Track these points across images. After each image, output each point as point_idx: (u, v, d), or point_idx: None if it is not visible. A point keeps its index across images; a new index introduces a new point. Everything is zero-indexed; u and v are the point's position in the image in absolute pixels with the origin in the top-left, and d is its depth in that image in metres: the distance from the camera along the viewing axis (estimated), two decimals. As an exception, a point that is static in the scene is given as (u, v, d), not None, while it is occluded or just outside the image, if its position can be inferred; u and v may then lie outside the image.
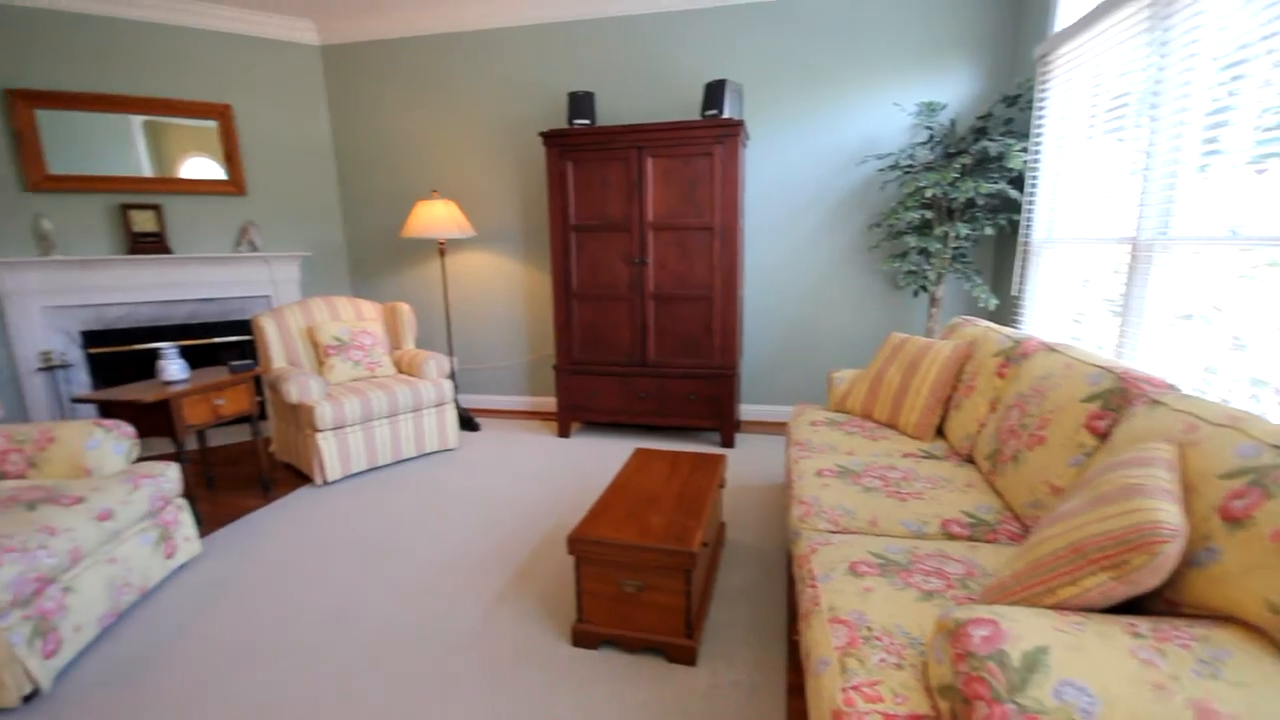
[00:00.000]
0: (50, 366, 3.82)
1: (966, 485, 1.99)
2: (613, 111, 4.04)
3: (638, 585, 1.84)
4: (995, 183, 3.12)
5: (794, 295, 4.03)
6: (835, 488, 1.99)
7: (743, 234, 3.72)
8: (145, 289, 4.01)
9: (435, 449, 3.74)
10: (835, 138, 3.77)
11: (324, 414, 3.19)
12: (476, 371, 4.67)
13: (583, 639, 1.93)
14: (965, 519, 1.79)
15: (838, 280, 3.94)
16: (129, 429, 2.41)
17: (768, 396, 4.22)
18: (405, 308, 3.99)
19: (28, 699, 1.76)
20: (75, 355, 3.92)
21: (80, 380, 3.95)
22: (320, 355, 3.61)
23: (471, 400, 4.74)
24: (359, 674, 1.85)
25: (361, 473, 3.46)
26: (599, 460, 3.60)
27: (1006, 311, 3.46)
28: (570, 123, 3.69)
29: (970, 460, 2.27)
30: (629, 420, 3.86)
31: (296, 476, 3.46)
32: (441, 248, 4.12)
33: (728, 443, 3.76)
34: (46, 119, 3.67)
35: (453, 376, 4.24)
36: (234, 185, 4.19)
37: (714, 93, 3.47)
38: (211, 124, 4.08)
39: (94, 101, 3.75)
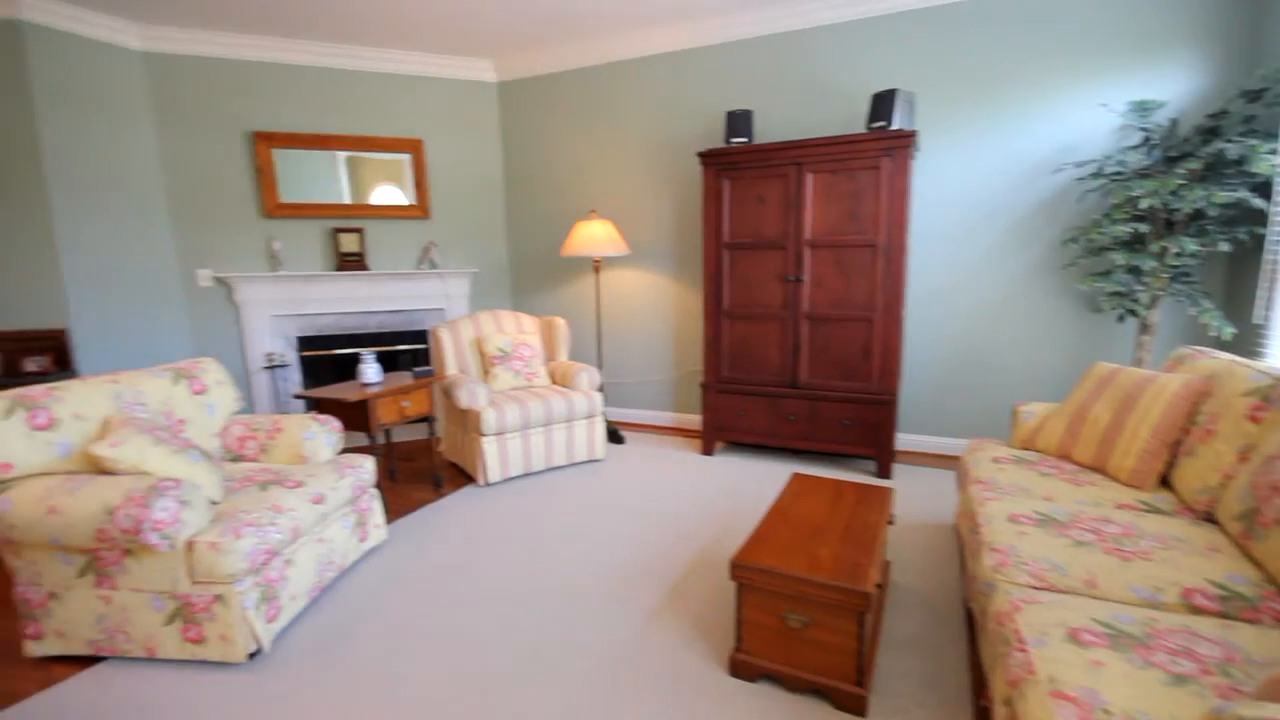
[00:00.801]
0: (272, 366, 4.48)
1: (1209, 549, 1.67)
2: (770, 129, 3.99)
3: (803, 621, 1.74)
4: (1234, 190, 2.64)
5: (964, 317, 3.69)
6: (1036, 537, 1.76)
7: (908, 252, 3.48)
8: (347, 301, 4.58)
9: (584, 459, 3.87)
10: (1021, 144, 3.41)
11: (489, 420, 3.42)
12: (622, 385, 4.79)
13: (741, 669, 1.86)
14: (1213, 590, 1.50)
15: (1020, 302, 3.55)
16: (337, 424, 2.74)
17: (930, 426, 3.89)
18: (560, 322, 4.20)
19: (252, 656, 2.03)
20: (291, 357, 4.57)
21: (294, 378, 4.59)
22: (486, 364, 3.89)
23: (616, 413, 4.86)
24: (522, 669, 1.92)
25: (518, 477, 3.66)
26: (745, 482, 3.51)
27: (1245, 342, 2.90)
28: (727, 141, 3.69)
29: (1210, 519, 1.90)
30: (776, 442, 3.74)
31: (461, 475, 3.74)
32: (597, 265, 4.29)
33: (884, 473, 3.50)
34: (279, 156, 4.34)
35: (601, 389, 4.38)
36: (420, 210, 4.68)
37: (882, 104, 3.29)
38: (402, 156, 4.59)
39: (314, 140, 4.38)
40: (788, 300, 3.59)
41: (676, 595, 2.35)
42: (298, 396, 3.06)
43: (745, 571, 1.79)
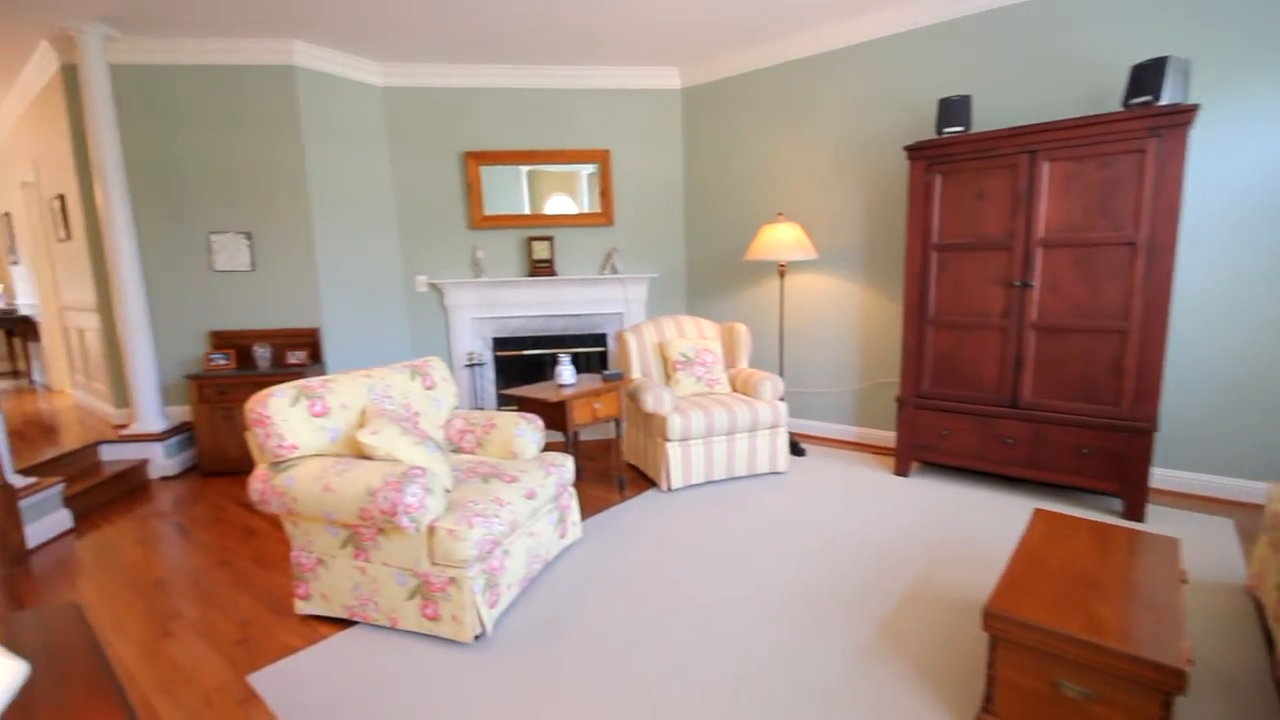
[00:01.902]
0: (472, 364, 4.89)
1: None
2: (987, 117, 3.56)
3: (1083, 693, 1.46)
4: None
5: (1247, 330, 3.00)
6: None
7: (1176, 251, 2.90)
8: (537, 305, 4.88)
9: (765, 470, 3.72)
10: (1350, 113, 2.69)
11: (674, 425, 3.42)
12: (802, 395, 4.57)
13: (991, 734, 1.62)
14: None
15: (1339, 312, 2.80)
16: (540, 422, 2.87)
17: (1194, 462, 3.22)
18: (742, 328, 4.09)
19: (477, 638, 2.16)
20: (488, 356, 4.96)
21: (488, 376, 4.98)
22: (669, 369, 3.91)
23: (795, 424, 4.65)
24: (730, 692, 1.84)
25: (699, 484, 3.62)
26: (949, 509, 3.14)
27: None
28: (939, 132, 3.35)
29: None
30: (987, 468, 3.31)
31: (642, 478, 3.78)
32: (782, 270, 4.12)
33: (1134, 514, 2.95)
34: (485, 172, 4.73)
35: (782, 399, 4.20)
36: (604, 217, 4.84)
37: (1147, 75, 2.77)
38: (581, 168, 4.78)
39: (516, 156, 4.71)
40: (1010, 307, 3.16)
41: (890, 632, 2.13)
42: (504, 394, 3.28)
43: (1003, 624, 1.55)
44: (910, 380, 3.52)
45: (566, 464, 2.74)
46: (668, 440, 3.46)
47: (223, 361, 4.14)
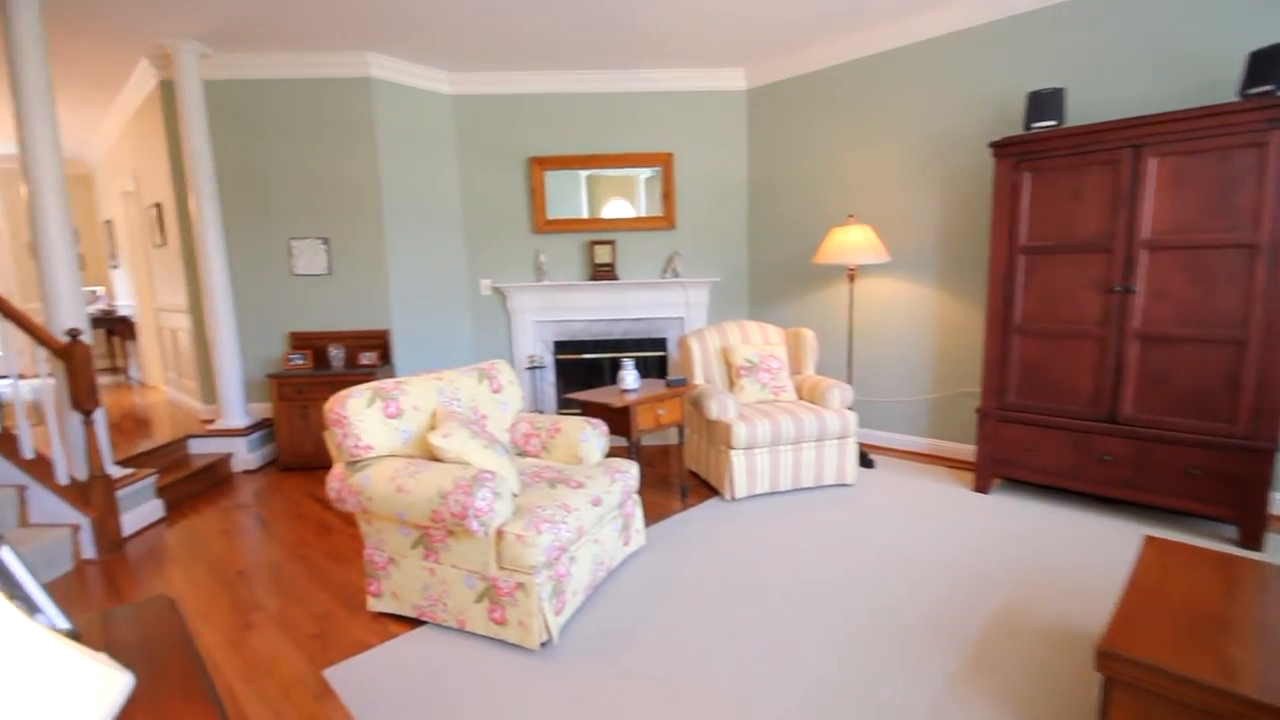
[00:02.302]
0: (533, 367, 4.93)
1: None
2: (1081, 111, 3.32)
3: (1219, 747, 1.30)
4: None
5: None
6: None
7: (1306, 252, 2.61)
8: (597, 309, 4.88)
9: (832, 482, 3.59)
10: None
11: (739, 433, 3.33)
12: (871, 404, 4.39)
13: (1103, 785, 1.47)
14: None
15: None
16: (605, 427, 2.85)
17: (1323, 487, 2.90)
18: (808, 334, 3.97)
19: (543, 645, 2.14)
20: (548, 359, 5.00)
21: (549, 379, 5.01)
22: (733, 376, 3.82)
23: (863, 434, 4.47)
24: (810, 716, 1.75)
25: (764, 494, 3.52)
26: (1040, 532, 2.93)
27: None
28: (1027, 127, 3.15)
29: None
30: (1080, 487, 3.08)
31: (704, 486, 3.71)
32: (851, 273, 3.97)
33: (1251, 542, 2.67)
34: (549, 177, 4.77)
35: (850, 408, 4.04)
36: (666, 221, 4.80)
37: (1266, 63, 2.52)
38: (639, 172, 4.75)
39: (579, 161, 4.73)
40: (1109, 314, 2.93)
41: (980, 663, 1.99)
42: (568, 398, 3.27)
43: (1122, 665, 1.40)
44: (993, 391, 3.32)
45: (631, 471, 2.70)
46: (732, 448, 3.38)
47: (301, 361, 4.32)
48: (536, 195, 4.75)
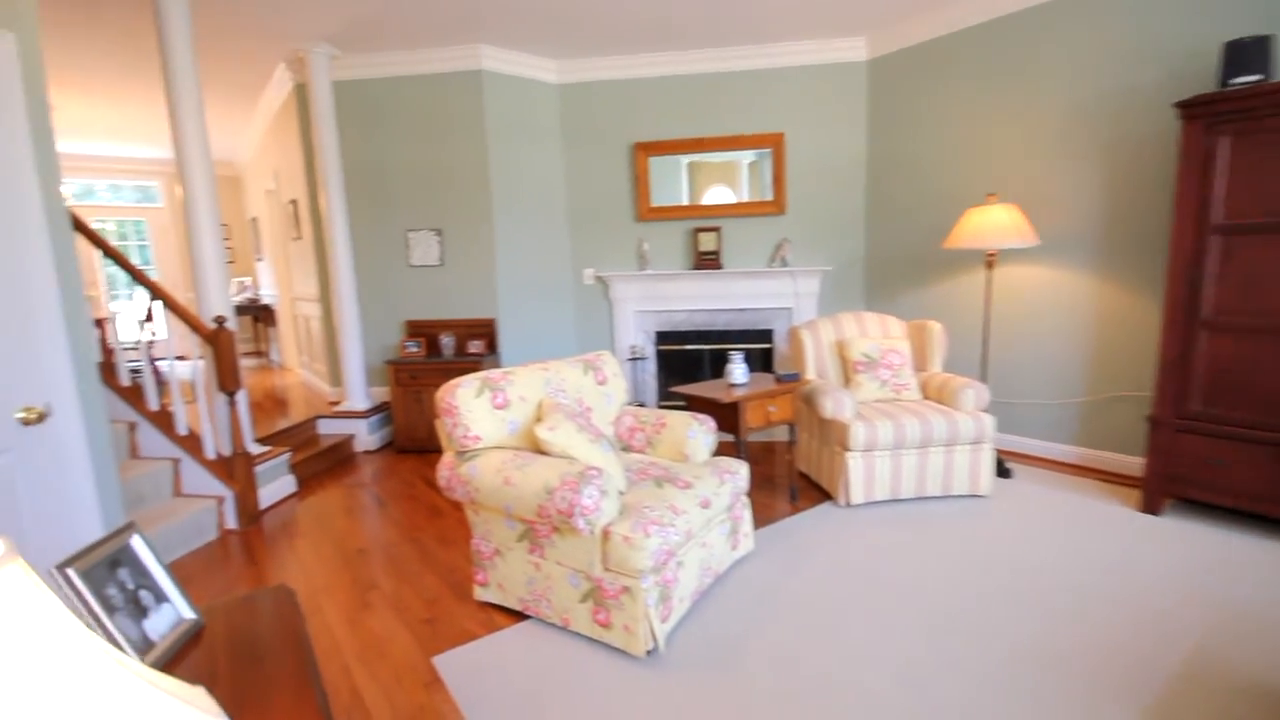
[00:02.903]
0: (634, 358, 4.86)
1: None
2: (1300, 55, 2.73)
3: None
4: None
5: None
6: None
7: None
8: (700, 299, 4.72)
9: (963, 492, 3.23)
10: None
11: (857, 434, 3.06)
12: (1010, 407, 3.93)
13: None
14: None
15: None
16: (713, 424, 2.69)
17: None
18: (936, 327, 3.59)
19: (649, 653, 2.04)
20: (650, 350, 4.90)
21: (650, 370, 4.92)
22: (848, 371, 3.53)
23: (999, 440, 4.01)
24: (957, 776, 1.52)
25: (883, 502, 3.23)
26: (1228, 564, 2.46)
27: None
28: (1223, 83, 2.62)
29: None
30: (1285, 515, 2.55)
31: (815, 489, 3.46)
32: (990, 259, 3.55)
33: None
34: (653, 163, 4.64)
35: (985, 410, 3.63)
36: (775, 206, 4.54)
37: None
38: (741, 156, 4.50)
39: (685, 145, 4.57)
40: (1337, 307, 2.38)
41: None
42: (674, 392, 3.15)
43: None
44: (1170, 396, 2.83)
45: (741, 471, 2.54)
46: (848, 450, 3.11)
47: (415, 349, 4.50)
48: (640, 182, 4.64)
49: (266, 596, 1.20)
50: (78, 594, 0.88)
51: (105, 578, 0.94)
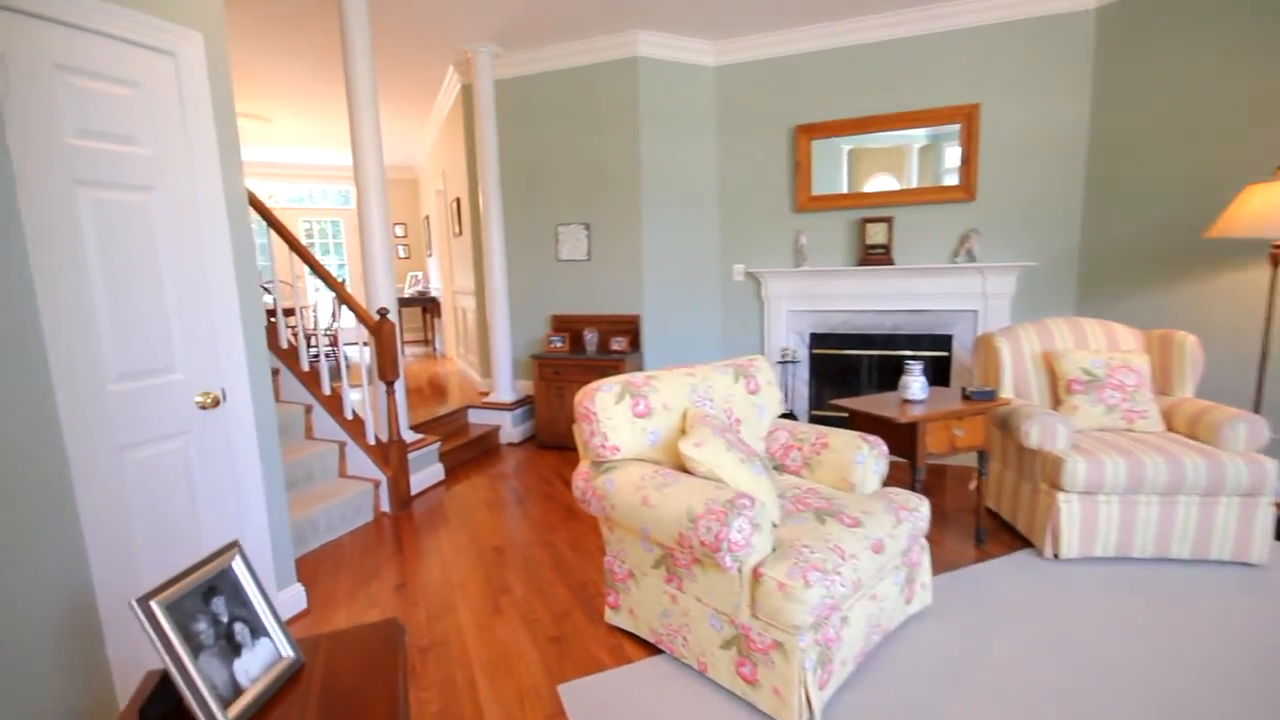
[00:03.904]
0: (785, 361, 4.46)
1: None
2: None
3: None
4: None
5: None
6: None
7: None
8: (864, 298, 4.19)
9: (1225, 558, 2.46)
10: None
11: (1074, 471, 2.44)
12: (1292, 447, 2.99)
13: None
14: None
15: None
16: (884, 448, 2.27)
17: None
18: (1188, 339, 2.80)
19: (802, 720, 1.70)
20: (803, 354, 4.47)
21: (801, 376, 4.48)
22: (1060, 391, 2.87)
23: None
24: None
25: (1105, 559, 2.56)
26: None
27: None
28: None
29: None
30: None
31: (1007, 532, 2.86)
32: (1277, 251, 2.69)
33: None
34: (817, 148, 4.19)
35: (1264, 451, 2.77)
36: (964, 191, 3.89)
37: None
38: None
39: (853, 125, 4.06)
40: None
41: None
42: (834, 405, 2.74)
43: None
44: None
45: (921, 509, 2.09)
46: (1061, 490, 2.50)
47: (560, 344, 4.47)
48: (800, 169, 4.22)
49: (375, 633, 1.06)
50: (160, 633, 0.76)
51: (197, 609, 0.83)
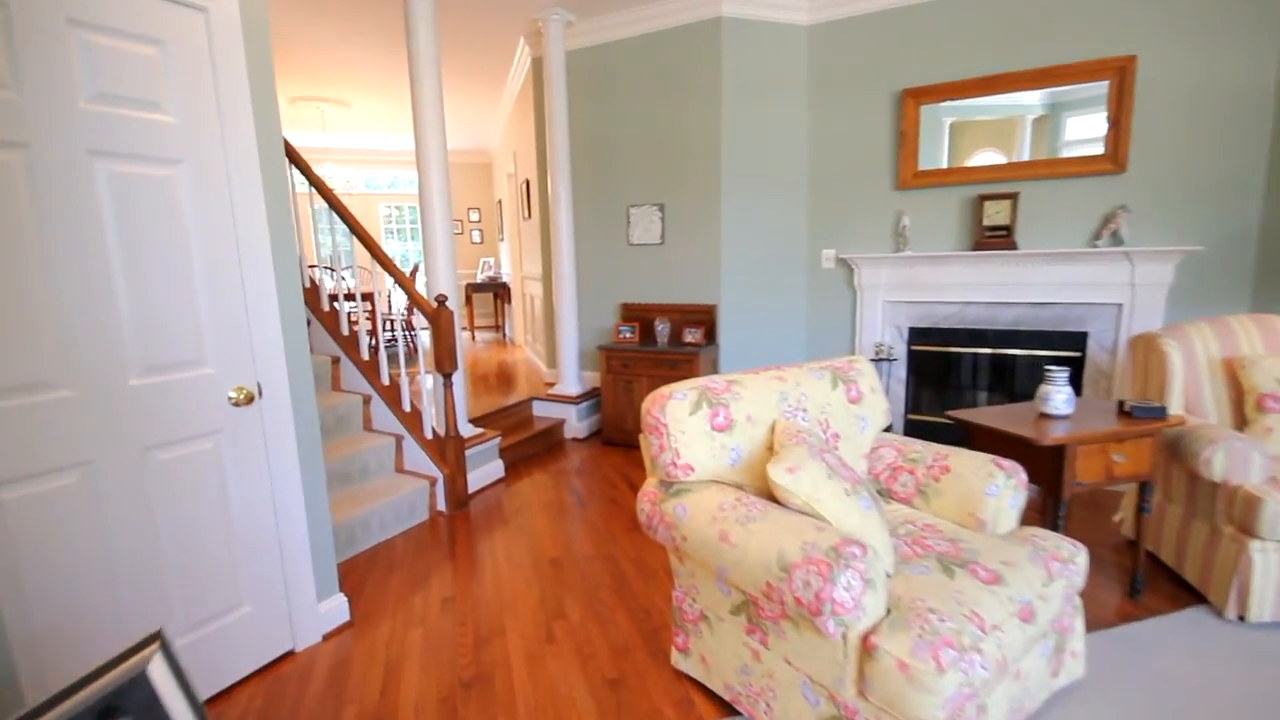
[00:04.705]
0: (879, 358, 3.96)
1: None
2: None
3: None
4: None
5: None
6: None
7: None
8: (979, 288, 3.63)
9: None
10: None
11: (1273, 513, 1.90)
12: None
13: None
14: None
15: None
16: (1024, 477, 1.82)
17: None
18: None
19: (921, 829, 1.33)
20: (900, 350, 3.96)
21: (898, 376, 3.98)
22: (1247, 409, 2.29)
23: None
24: None
25: (1315, 628, 2.00)
26: None
27: None
28: None
29: None
30: None
31: (1173, 582, 2.32)
32: None
33: None
34: (927, 115, 3.65)
35: None
36: (1111, 162, 3.25)
37: None
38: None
39: (974, 86, 3.49)
40: None
41: None
42: (952, 418, 2.28)
43: None
44: None
45: (1078, 561, 1.64)
46: (1254, 536, 1.96)
47: (629, 335, 4.18)
48: (906, 139, 3.69)
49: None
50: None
51: (82, 739, 0.57)
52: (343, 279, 5.48)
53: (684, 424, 1.69)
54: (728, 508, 1.57)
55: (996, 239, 3.53)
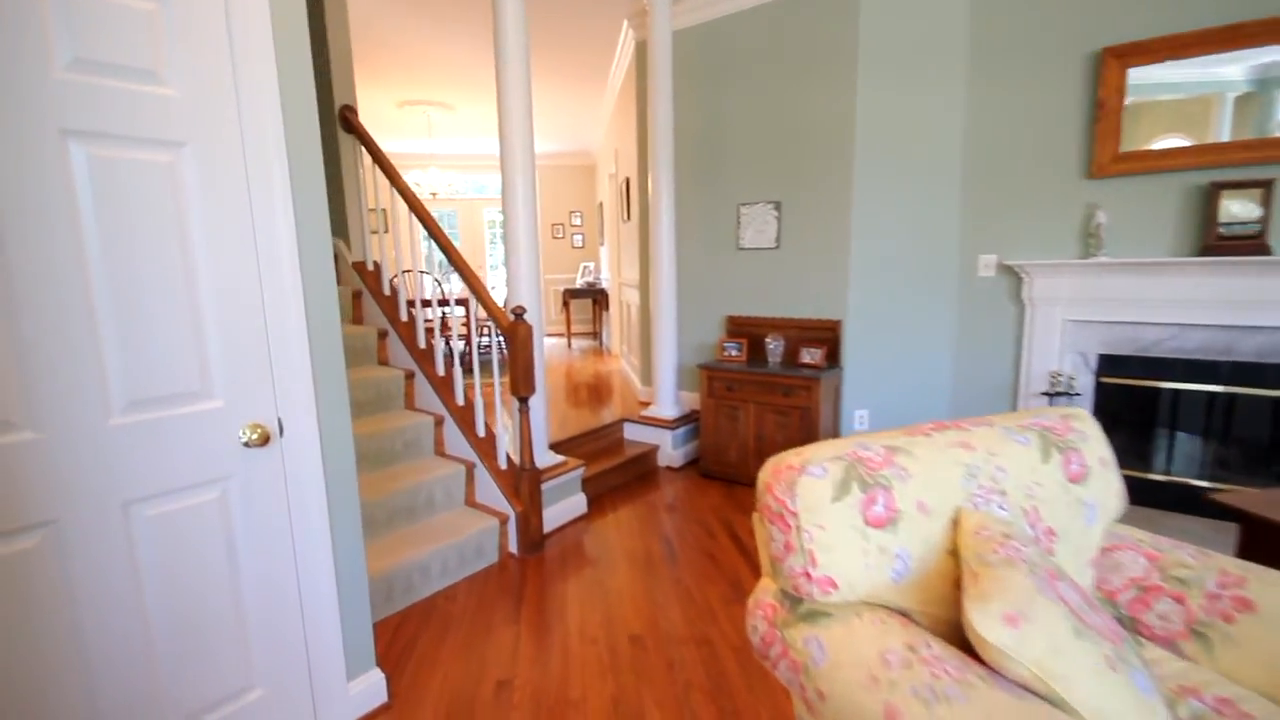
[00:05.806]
0: (1055, 392, 3.14)
1: None
2: None
3: None
4: None
5: None
6: None
7: None
8: (1206, 306, 2.74)
9: None
10: None
11: None
12: None
13: None
14: None
15: None
16: (1400, 633, 1.08)
17: None
18: None
19: None
20: (1084, 383, 3.11)
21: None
22: None
23: None
24: None
25: None
26: None
27: None
28: None
29: None
30: None
31: None
32: None
33: None
34: (1136, 80, 2.81)
35: None
36: None
37: None
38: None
39: (1215, 38, 2.62)
40: None
41: None
42: (1220, 503, 1.54)
43: None
44: None
45: None
46: None
47: (735, 352, 3.63)
48: (1106, 112, 2.87)
49: None
50: None
51: None
52: (439, 283, 5.34)
53: (823, 514, 1.13)
54: (896, 664, 0.99)
55: (1237, 241, 2.63)
